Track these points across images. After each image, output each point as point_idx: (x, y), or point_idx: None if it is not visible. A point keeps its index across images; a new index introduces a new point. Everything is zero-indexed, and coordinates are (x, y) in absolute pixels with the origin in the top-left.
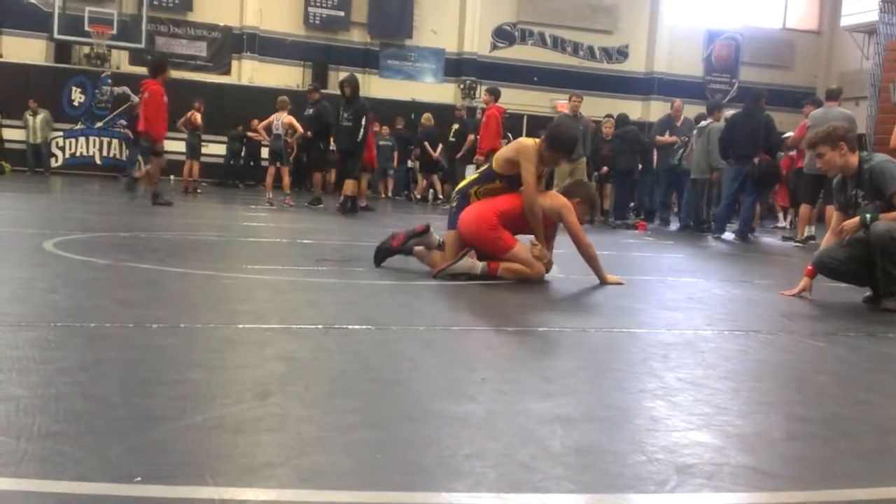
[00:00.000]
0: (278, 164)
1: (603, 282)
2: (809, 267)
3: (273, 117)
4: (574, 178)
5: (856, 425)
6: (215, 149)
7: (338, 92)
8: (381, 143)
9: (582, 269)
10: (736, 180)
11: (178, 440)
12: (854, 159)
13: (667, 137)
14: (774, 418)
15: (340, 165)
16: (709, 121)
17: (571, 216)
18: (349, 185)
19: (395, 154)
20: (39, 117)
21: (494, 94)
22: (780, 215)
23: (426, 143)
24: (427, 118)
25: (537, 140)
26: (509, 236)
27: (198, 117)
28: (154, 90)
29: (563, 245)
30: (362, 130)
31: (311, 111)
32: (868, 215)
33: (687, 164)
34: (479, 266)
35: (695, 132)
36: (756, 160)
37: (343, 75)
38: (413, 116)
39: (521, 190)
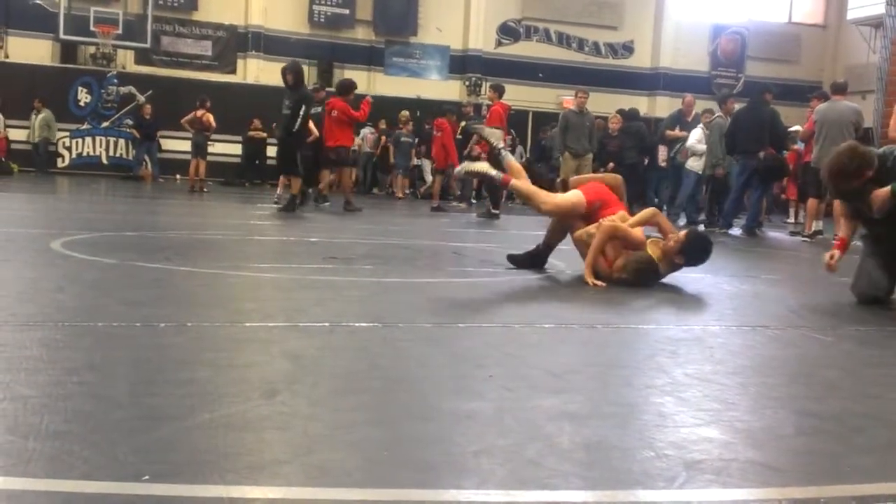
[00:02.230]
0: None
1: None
2: (839, 241)
3: None
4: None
5: (865, 420)
6: (221, 148)
7: None
8: (403, 139)
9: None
10: (742, 175)
11: (186, 439)
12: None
13: (677, 132)
14: (783, 414)
15: (279, 157)
16: (716, 115)
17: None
18: (296, 184)
19: (413, 151)
20: (40, 116)
21: (499, 91)
22: (792, 211)
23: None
24: (405, 115)
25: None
26: (595, 195)
27: (210, 118)
28: (342, 108)
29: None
30: (300, 119)
31: (318, 110)
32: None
33: (681, 159)
34: (495, 172)
35: (700, 126)
36: (761, 155)
37: (349, 73)
38: (419, 114)
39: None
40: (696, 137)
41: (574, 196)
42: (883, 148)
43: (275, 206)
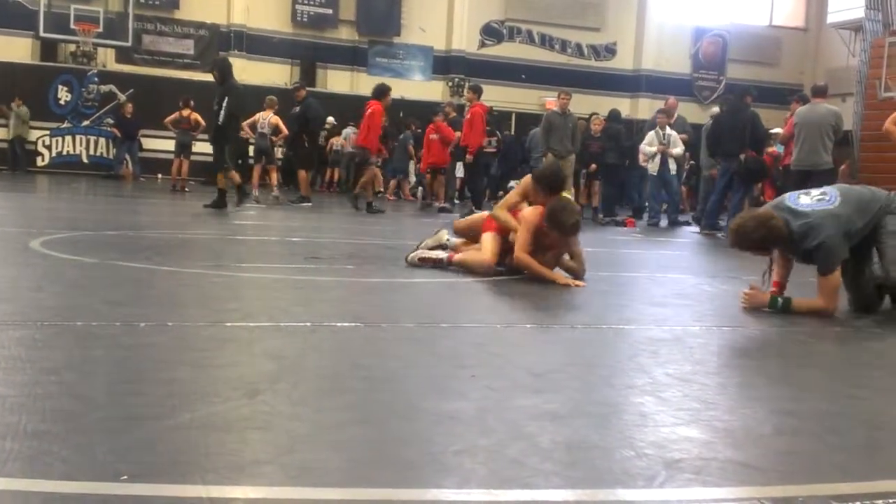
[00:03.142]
0: (264, 162)
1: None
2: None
3: (258, 115)
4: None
5: (844, 420)
6: (202, 147)
7: (324, 90)
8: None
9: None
10: (723, 177)
11: (166, 439)
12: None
13: None
14: (762, 413)
15: (215, 155)
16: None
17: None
18: (221, 179)
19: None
20: (14, 113)
21: (477, 92)
22: None
23: None
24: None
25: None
26: (496, 227)
27: (199, 117)
28: (376, 110)
29: None
30: (223, 113)
31: (297, 109)
32: (780, 301)
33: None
34: (444, 254)
35: (655, 129)
36: (742, 157)
37: (332, 73)
38: (401, 115)
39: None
40: (647, 140)
41: (490, 238)
42: (814, 215)
43: (257, 205)
